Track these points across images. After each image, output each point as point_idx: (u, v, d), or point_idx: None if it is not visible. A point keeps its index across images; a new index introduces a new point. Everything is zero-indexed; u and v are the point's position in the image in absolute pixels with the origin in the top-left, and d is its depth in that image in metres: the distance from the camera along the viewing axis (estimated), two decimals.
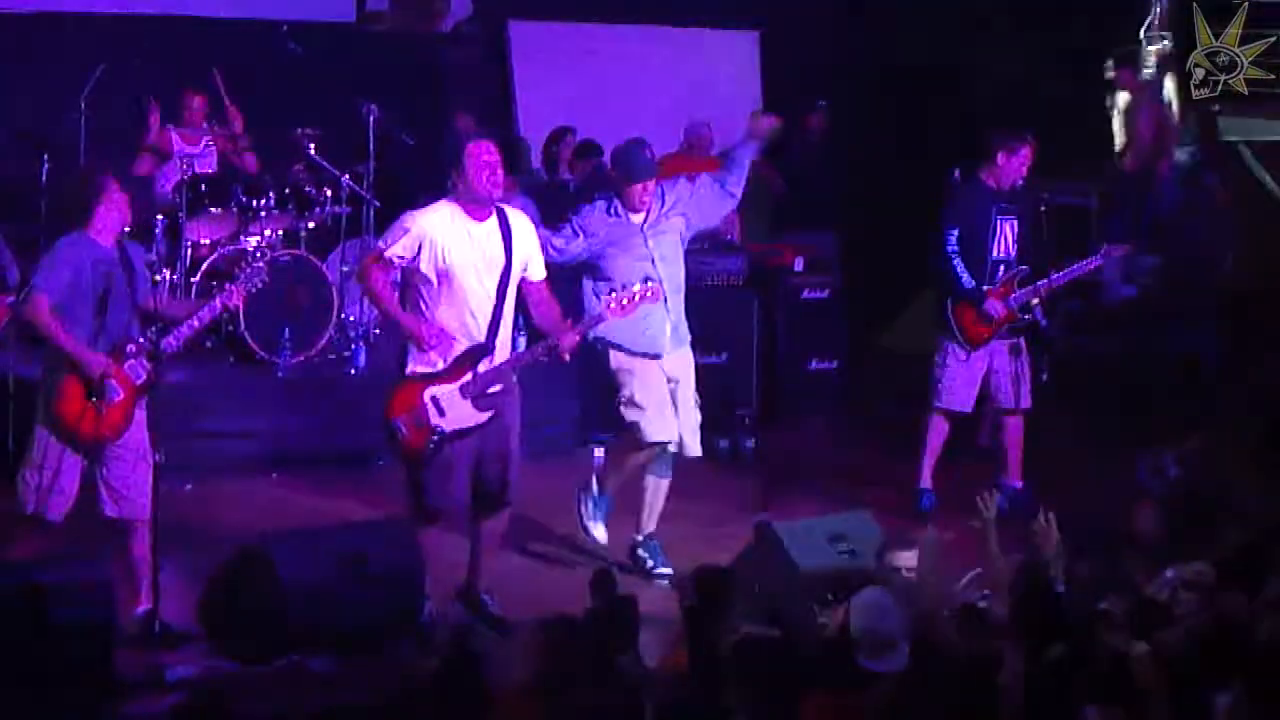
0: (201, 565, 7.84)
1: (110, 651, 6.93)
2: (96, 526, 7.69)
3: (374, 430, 8.11)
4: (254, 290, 8.04)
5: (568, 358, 7.81)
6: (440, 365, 7.62)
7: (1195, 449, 9.43)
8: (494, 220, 7.66)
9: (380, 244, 7.74)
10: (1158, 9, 11.94)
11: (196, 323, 7.71)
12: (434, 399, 7.61)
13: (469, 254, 7.58)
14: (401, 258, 7.60)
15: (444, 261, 7.56)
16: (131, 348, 7.55)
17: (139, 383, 7.55)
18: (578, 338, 7.77)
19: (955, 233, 9.55)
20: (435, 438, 7.60)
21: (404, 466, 7.82)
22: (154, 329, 7.58)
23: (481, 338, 7.63)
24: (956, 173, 10.50)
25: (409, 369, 7.70)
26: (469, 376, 7.63)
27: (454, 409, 7.62)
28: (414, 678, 6.04)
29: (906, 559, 7.12)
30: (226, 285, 8.10)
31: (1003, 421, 9.84)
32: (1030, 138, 9.61)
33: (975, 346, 9.61)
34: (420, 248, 7.56)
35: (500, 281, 7.63)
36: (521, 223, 7.77)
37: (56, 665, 6.67)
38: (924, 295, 10.92)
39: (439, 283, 7.59)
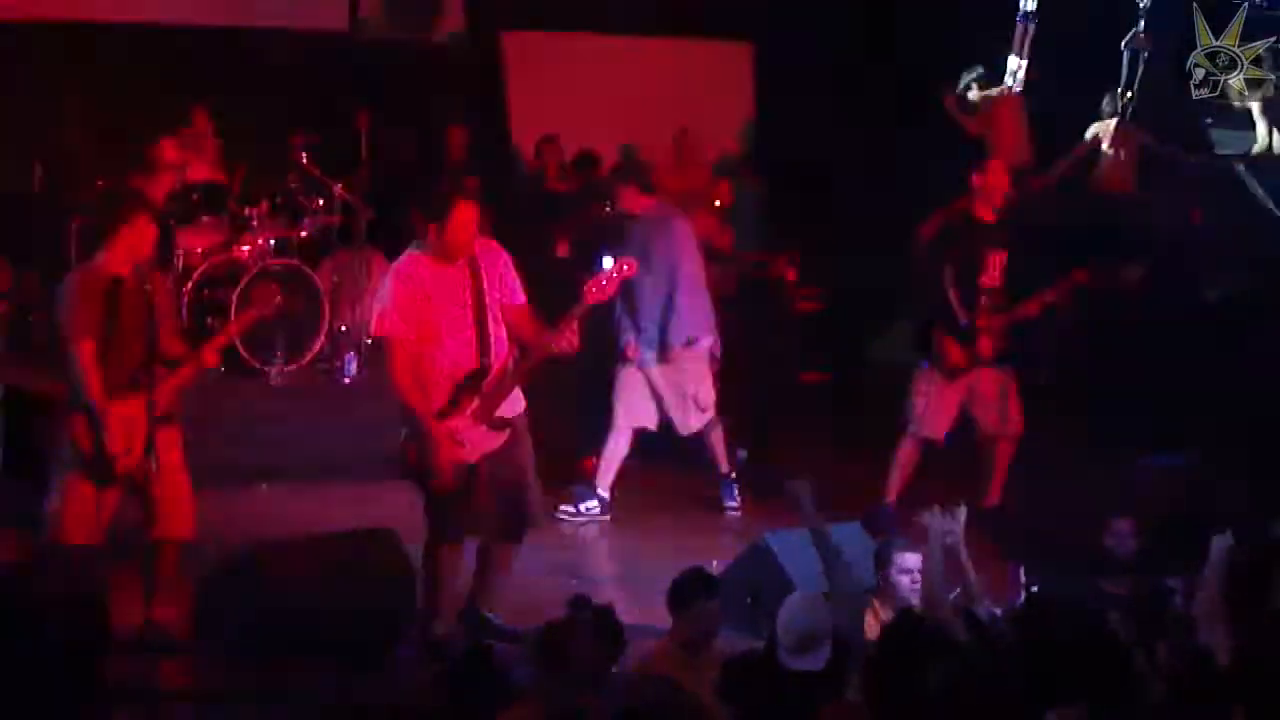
0: (193, 574, 7.82)
1: (102, 659, 6.91)
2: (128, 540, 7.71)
3: (366, 438, 8.11)
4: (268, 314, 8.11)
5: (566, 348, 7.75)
6: (444, 400, 7.61)
7: (1189, 460, 9.45)
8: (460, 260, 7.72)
9: (386, 328, 7.60)
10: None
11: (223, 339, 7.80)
12: (452, 433, 7.61)
13: (447, 297, 7.61)
14: (404, 324, 7.56)
15: (424, 308, 7.58)
16: (145, 379, 7.48)
17: (156, 414, 7.48)
18: (575, 335, 7.70)
19: (950, 267, 9.58)
20: (464, 470, 7.59)
21: (424, 499, 7.77)
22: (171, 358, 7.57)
23: (475, 364, 7.64)
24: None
25: (437, 400, 7.62)
26: (476, 401, 7.64)
27: (472, 437, 7.62)
28: (414, 687, 6.06)
29: (912, 560, 7.10)
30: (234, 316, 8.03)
31: (990, 443, 9.84)
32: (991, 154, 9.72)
33: (955, 376, 9.65)
34: (411, 304, 7.56)
35: (475, 308, 7.62)
36: (485, 250, 7.76)
37: (47, 672, 6.65)
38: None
39: (422, 324, 7.59)
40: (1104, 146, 12.55)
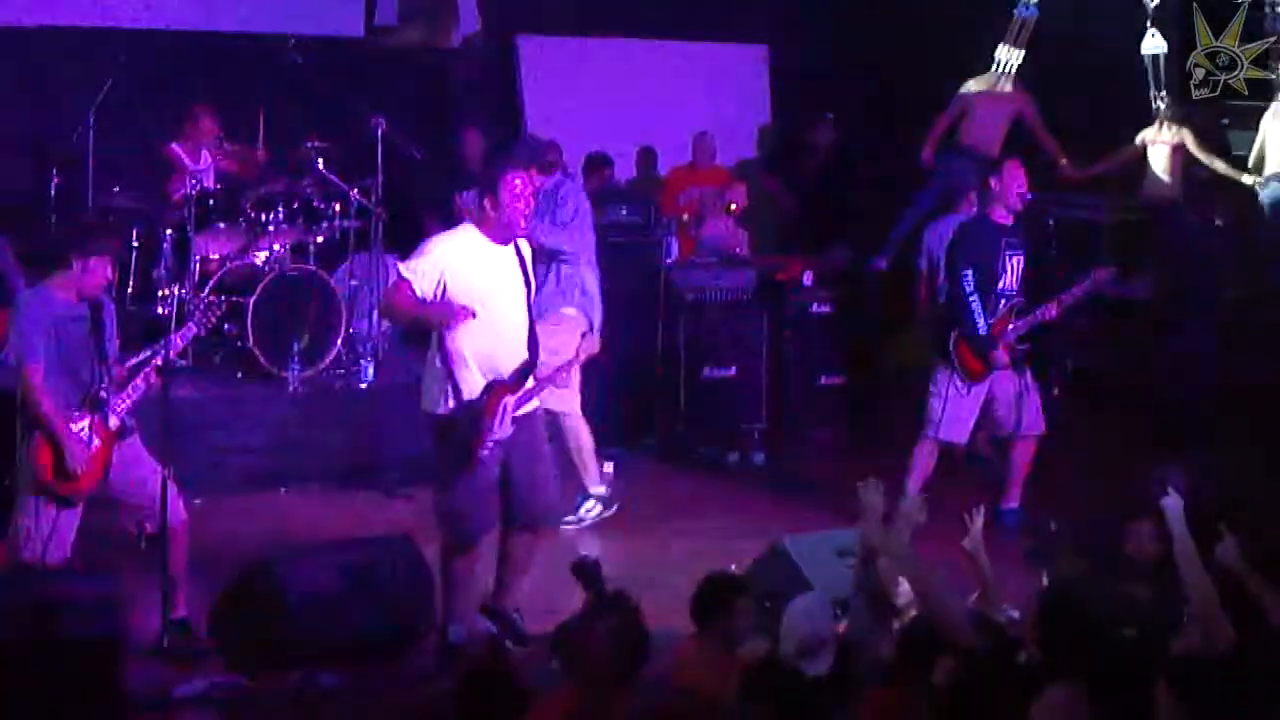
0: (210, 580, 7.83)
1: (119, 666, 6.93)
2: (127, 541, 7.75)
3: (384, 443, 8.12)
4: (204, 331, 8.09)
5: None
6: (505, 376, 7.59)
7: (1203, 464, 9.42)
8: (511, 245, 7.68)
9: (403, 267, 7.61)
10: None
11: (142, 383, 7.71)
12: (504, 407, 7.58)
13: (494, 278, 7.58)
14: (422, 285, 7.50)
15: (471, 286, 7.53)
16: (102, 394, 7.58)
17: (114, 429, 7.60)
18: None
19: (970, 273, 9.55)
20: (490, 444, 7.58)
21: (439, 492, 7.77)
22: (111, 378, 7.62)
23: (524, 356, 7.63)
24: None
25: (489, 378, 7.56)
26: (521, 392, 7.64)
27: (505, 421, 7.60)
28: (431, 692, 6.07)
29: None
30: (165, 338, 7.99)
31: (1010, 444, 9.83)
32: (1007, 153, 9.67)
33: (974, 382, 9.62)
34: (442, 274, 7.51)
35: (526, 303, 7.66)
36: (525, 247, 7.79)
37: (65, 679, 6.67)
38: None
39: (472, 302, 7.51)
40: (1150, 153, 12.47)
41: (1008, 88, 12.76)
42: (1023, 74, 12.71)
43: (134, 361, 7.85)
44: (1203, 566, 6.09)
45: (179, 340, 8.01)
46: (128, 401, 7.65)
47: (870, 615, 6.46)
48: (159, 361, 7.74)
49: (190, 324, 8.06)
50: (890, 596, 6.63)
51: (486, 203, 7.59)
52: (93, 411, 7.56)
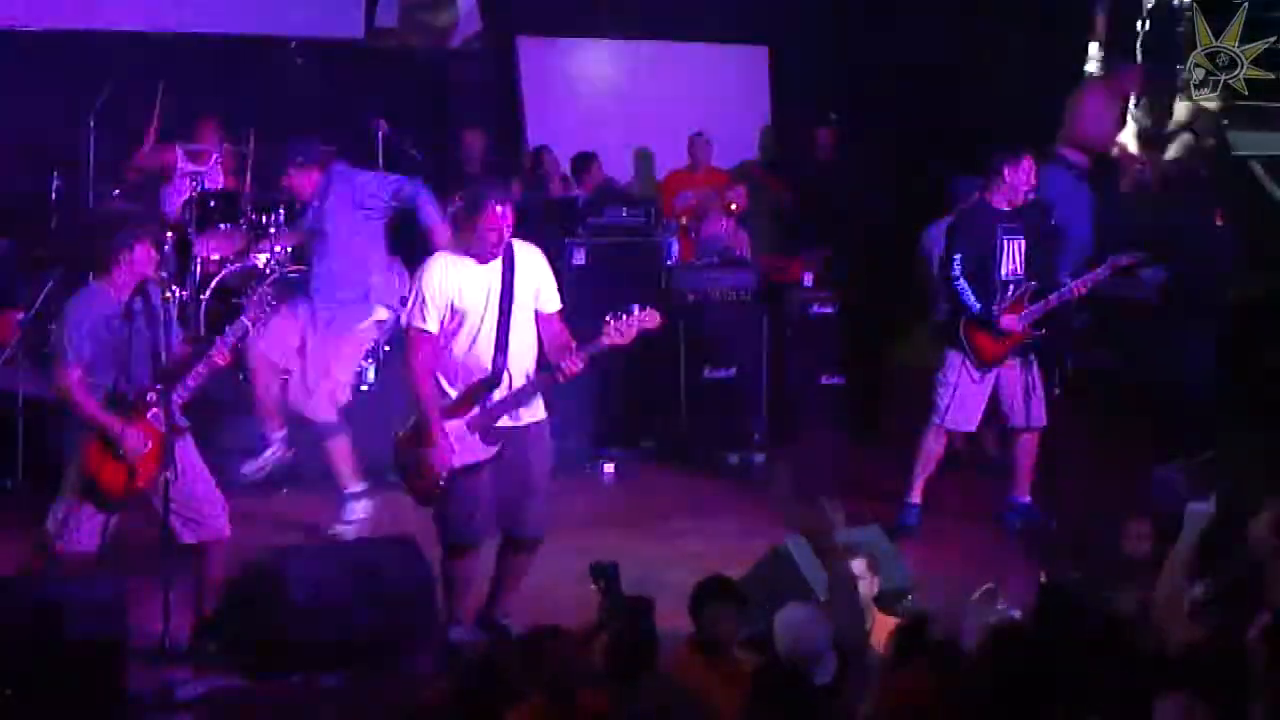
0: None
1: (121, 668, 6.93)
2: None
3: (383, 444, 8.11)
4: (261, 318, 8.02)
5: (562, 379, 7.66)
6: (448, 400, 7.60)
7: (1206, 463, 9.43)
8: (498, 259, 7.65)
9: (412, 320, 7.60)
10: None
11: (216, 360, 7.68)
12: (445, 439, 7.57)
13: (472, 295, 7.56)
14: (433, 327, 7.54)
15: (450, 306, 7.55)
16: (152, 396, 7.55)
17: (164, 430, 7.54)
18: (581, 364, 7.55)
19: (959, 257, 9.55)
20: (444, 476, 7.58)
21: (432, 505, 7.81)
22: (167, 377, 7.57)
23: (486, 372, 7.60)
24: (958, 183, 10.60)
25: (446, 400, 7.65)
26: (475, 410, 7.61)
27: (461, 445, 7.59)
28: (429, 694, 6.08)
29: (857, 566, 7.19)
30: (227, 327, 7.90)
31: (1015, 437, 9.84)
32: (1029, 149, 9.65)
33: (988, 366, 9.61)
34: (442, 304, 7.54)
35: (502, 314, 7.57)
36: (528, 255, 7.71)
37: (68, 681, 6.68)
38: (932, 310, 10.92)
39: (446, 324, 7.57)
40: None
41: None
42: None
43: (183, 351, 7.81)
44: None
45: (233, 334, 7.97)
46: (182, 396, 7.61)
47: (848, 607, 6.52)
48: (216, 356, 7.67)
49: (244, 318, 7.99)
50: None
51: (466, 227, 7.59)
52: (144, 413, 7.55)
